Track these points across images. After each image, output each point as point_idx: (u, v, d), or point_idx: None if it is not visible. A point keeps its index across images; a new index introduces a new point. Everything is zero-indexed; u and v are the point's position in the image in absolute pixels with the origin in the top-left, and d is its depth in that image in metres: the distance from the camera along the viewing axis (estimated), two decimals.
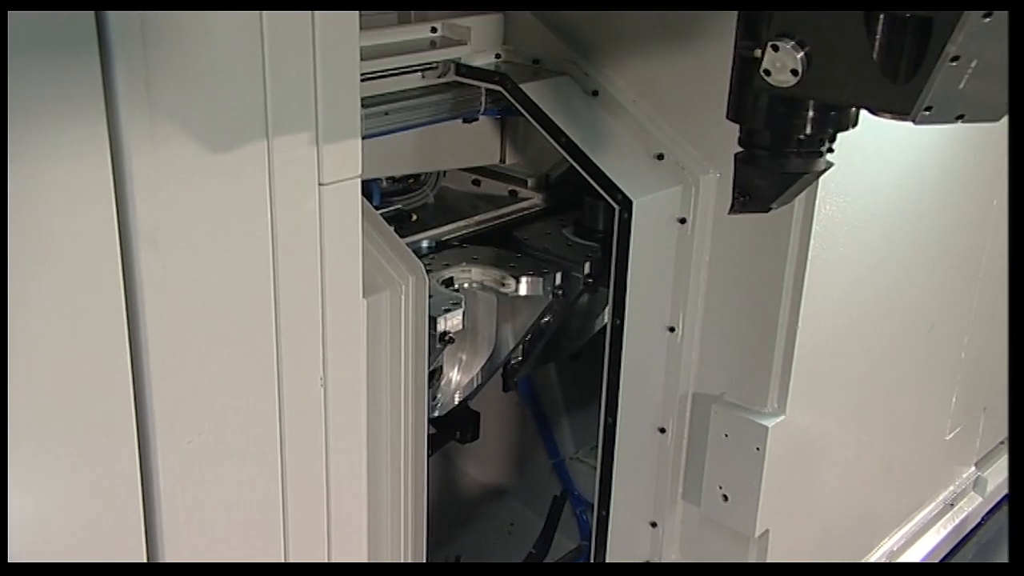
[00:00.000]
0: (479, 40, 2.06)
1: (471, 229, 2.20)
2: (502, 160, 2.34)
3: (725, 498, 2.16)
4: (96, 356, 1.22)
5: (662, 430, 2.20)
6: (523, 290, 2.05)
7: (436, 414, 2.13)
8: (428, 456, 1.81)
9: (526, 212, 2.30)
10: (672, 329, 2.12)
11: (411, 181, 2.24)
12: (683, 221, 2.03)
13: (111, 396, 1.25)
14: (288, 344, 1.41)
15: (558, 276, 2.08)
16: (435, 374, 2.08)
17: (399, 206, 2.16)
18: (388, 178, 2.19)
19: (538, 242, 2.17)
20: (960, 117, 1.21)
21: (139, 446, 1.29)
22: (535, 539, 2.73)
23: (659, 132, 2.02)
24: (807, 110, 1.37)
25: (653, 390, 2.16)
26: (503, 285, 2.05)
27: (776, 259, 2.00)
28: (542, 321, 2.15)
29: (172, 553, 1.35)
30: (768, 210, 1.50)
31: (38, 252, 1.14)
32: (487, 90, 2.04)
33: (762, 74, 1.27)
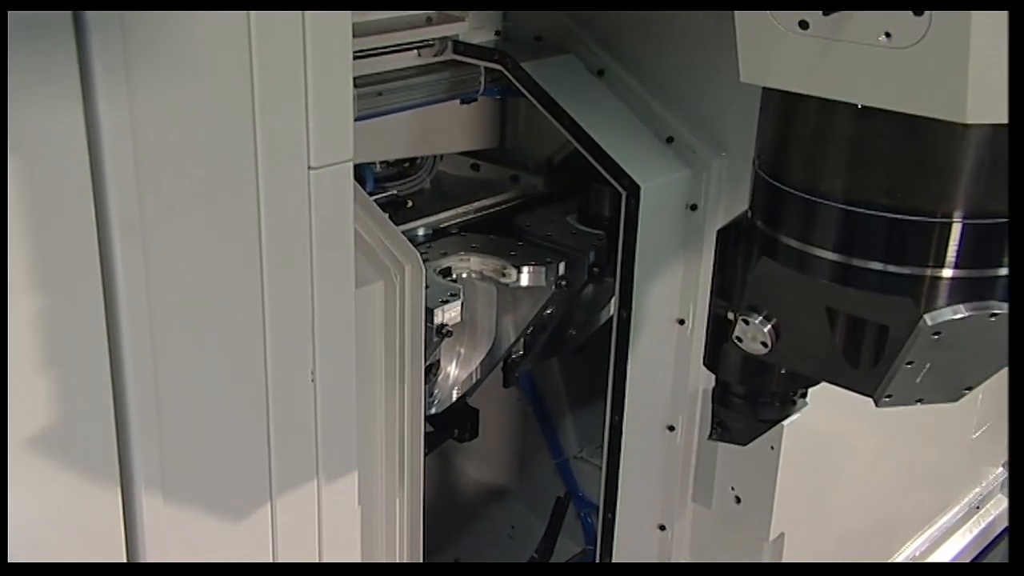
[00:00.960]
0: (478, 16, 2.05)
1: (470, 216, 2.19)
2: (502, 143, 2.33)
3: (738, 500, 2.16)
4: (71, 350, 1.22)
5: (671, 428, 2.20)
6: (524, 280, 2.05)
7: (433, 411, 2.13)
8: (425, 455, 1.81)
9: (528, 198, 2.30)
10: (682, 321, 2.12)
11: (406, 165, 2.24)
12: (693, 208, 2.03)
13: (86, 394, 1.25)
14: (276, 337, 1.41)
15: (561, 266, 2.08)
16: (432, 369, 2.08)
17: (394, 192, 2.15)
18: (382, 162, 2.18)
19: (540, 229, 2.17)
20: (919, 400, 1.38)
21: (118, 445, 1.29)
22: (537, 543, 2.74)
23: (668, 114, 2.01)
24: (780, 371, 1.54)
25: (662, 386, 2.16)
26: (503, 275, 2.04)
27: None
28: (545, 313, 2.14)
29: (154, 557, 1.35)
30: (746, 444, 1.69)
31: (9, 238, 1.14)
32: (486, 69, 2.03)
33: (735, 340, 1.41)
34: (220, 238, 1.32)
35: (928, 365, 1.32)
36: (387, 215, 1.69)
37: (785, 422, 2.05)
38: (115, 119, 1.17)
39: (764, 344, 1.39)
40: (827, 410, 2.16)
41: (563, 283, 2.09)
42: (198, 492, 1.40)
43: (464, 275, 2.05)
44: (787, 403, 1.64)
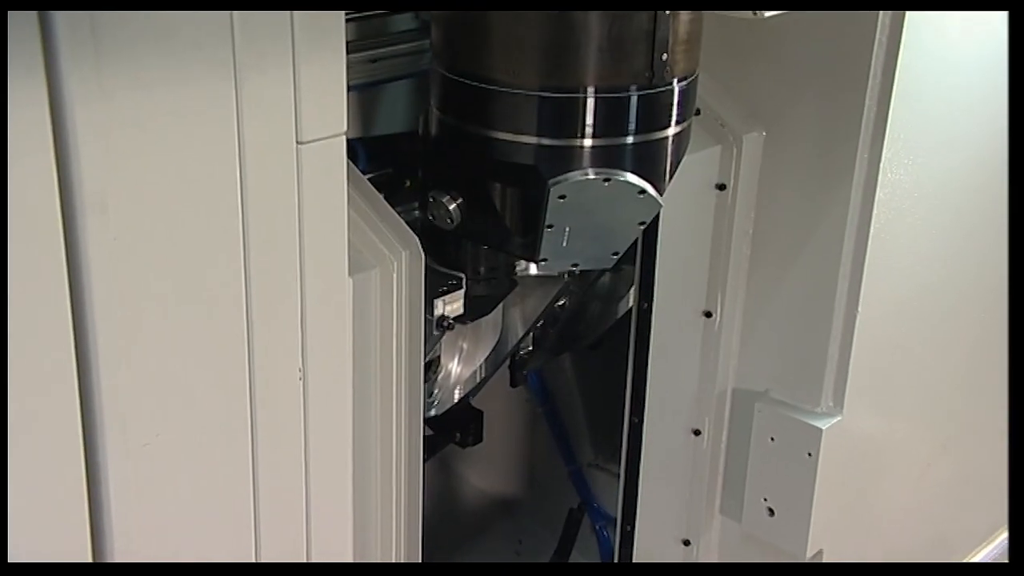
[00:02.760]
0: None
1: None
2: None
3: (771, 512, 2.17)
4: (33, 343, 1.21)
5: (697, 432, 2.20)
6: (534, 268, 2.05)
7: (433, 413, 2.13)
8: (424, 461, 1.80)
9: None
10: (709, 314, 2.12)
11: (405, 140, 2.23)
12: (722, 187, 2.03)
13: (50, 392, 1.25)
14: (261, 330, 1.41)
15: None
16: (432, 366, 2.08)
17: (390, 170, 2.15)
18: (377, 137, 2.18)
19: None
20: (575, 264, 1.75)
21: (84, 450, 1.29)
22: (548, 559, 2.74)
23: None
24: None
25: (686, 385, 2.16)
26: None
27: (833, 231, 2.00)
28: (556, 304, 2.14)
29: (122, 556, 1.35)
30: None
31: None
32: None
33: (429, 216, 1.78)
34: (198, 221, 1.31)
35: (568, 229, 1.66)
36: (383, 195, 1.69)
37: (824, 426, 2.06)
38: (82, 89, 1.17)
39: (450, 220, 1.74)
40: (870, 412, 2.16)
41: (577, 271, 2.08)
42: (173, 505, 1.40)
43: None
44: (492, 282, 1.95)
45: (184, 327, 1.34)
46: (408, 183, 2.14)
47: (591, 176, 1.63)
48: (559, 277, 2.08)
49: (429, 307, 1.79)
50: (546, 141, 1.62)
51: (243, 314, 1.39)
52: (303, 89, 1.34)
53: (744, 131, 2.00)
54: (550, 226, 1.65)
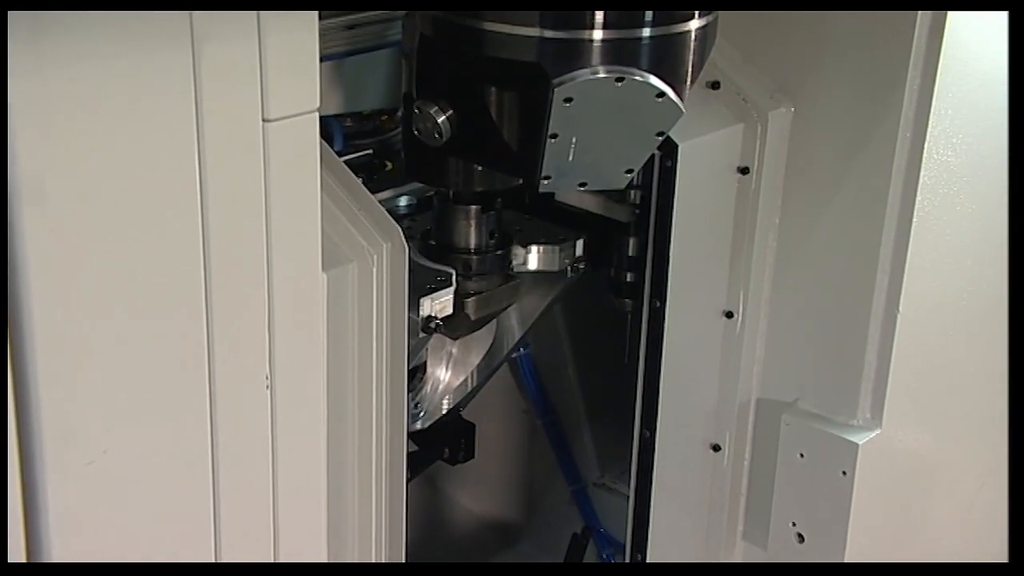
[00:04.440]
0: None
1: None
2: None
3: (800, 538, 2.17)
4: None
5: (716, 447, 2.21)
6: (533, 263, 2.05)
7: (419, 426, 2.14)
8: (407, 481, 1.80)
9: None
10: (730, 314, 2.12)
11: (385, 118, 2.23)
12: (745, 171, 2.03)
13: None
14: (223, 334, 1.40)
15: (579, 244, 2.08)
16: (417, 373, 2.08)
17: (369, 151, 2.15)
18: (354, 114, 2.18)
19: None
20: (583, 184, 1.71)
21: (21, 469, 1.28)
22: None
23: (714, 52, 2.00)
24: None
25: (704, 394, 2.16)
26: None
27: (870, 220, 2.00)
28: (558, 304, 2.14)
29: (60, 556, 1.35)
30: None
31: None
32: None
33: (414, 131, 1.73)
34: (150, 212, 1.31)
35: (574, 139, 1.61)
36: (361, 180, 1.68)
37: (860, 440, 2.06)
38: (15, 58, 1.16)
39: (438, 134, 1.70)
40: (913, 424, 2.16)
41: (581, 266, 2.08)
42: (121, 532, 1.39)
43: None
44: (486, 278, 1.95)
45: (135, 331, 1.33)
46: (389, 166, 2.15)
47: (601, 75, 1.57)
48: (561, 273, 2.08)
49: (414, 306, 1.79)
50: (549, 34, 1.57)
51: (202, 316, 1.38)
52: (270, 60, 1.34)
53: (769, 107, 2.00)
54: (554, 136, 1.60)
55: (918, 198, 1.96)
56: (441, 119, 1.69)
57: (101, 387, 1.32)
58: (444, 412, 2.17)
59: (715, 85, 2.01)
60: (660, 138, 1.68)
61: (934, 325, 2.13)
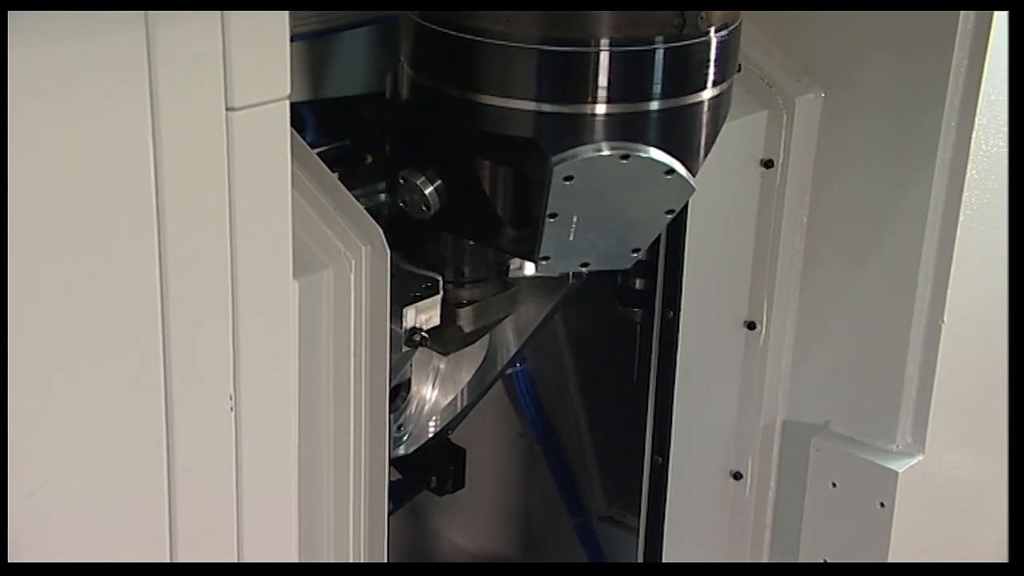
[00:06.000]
0: None
1: None
2: None
3: None
4: None
5: (737, 476, 2.21)
6: (530, 268, 2.04)
7: (402, 451, 2.14)
8: (389, 514, 1.80)
9: None
10: (752, 325, 2.13)
11: (364, 105, 2.24)
12: (769, 164, 2.04)
13: None
14: (182, 348, 1.40)
15: None
16: (400, 392, 2.08)
17: (347, 142, 2.15)
18: (330, 101, 2.18)
19: None
20: (585, 265, 1.74)
21: None
22: None
23: None
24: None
25: (723, 416, 2.17)
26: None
27: (910, 219, 2.00)
28: (559, 313, 2.14)
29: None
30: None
31: None
32: None
33: (400, 203, 1.77)
34: (99, 210, 1.30)
35: (575, 218, 1.64)
36: (338, 175, 1.69)
37: (900, 468, 2.06)
38: None
39: (427, 207, 1.74)
40: (959, 450, 2.16)
41: (583, 272, 2.08)
42: (61, 555, 1.39)
43: None
44: (478, 284, 1.95)
45: (81, 346, 1.33)
46: (370, 159, 2.14)
47: (605, 152, 1.60)
48: (562, 279, 2.08)
49: (397, 317, 1.79)
50: (548, 107, 1.60)
51: (159, 329, 1.38)
52: (234, 41, 1.34)
53: (797, 93, 2.00)
54: (553, 215, 1.63)
55: (964, 194, 1.97)
56: (429, 190, 1.73)
57: (42, 410, 1.32)
58: (431, 436, 2.18)
59: (737, 69, 2.00)
60: (670, 216, 1.70)
61: (980, 337, 2.13)
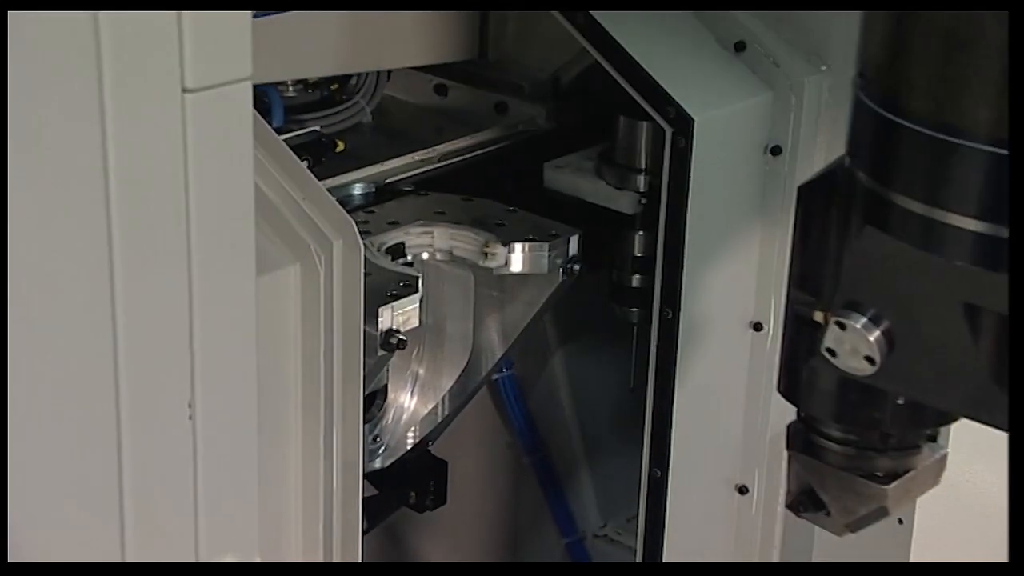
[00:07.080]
0: None
1: (432, 165, 2.20)
2: (483, 55, 2.35)
3: None
4: None
5: (743, 490, 2.22)
6: (517, 264, 2.05)
7: (378, 464, 2.14)
8: (364, 532, 1.80)
9: (521, 137, 2.31)
10: (758, 326, 2.14)
11: (334, 88, 2.24)
12: (776, 151, 2.04)
13: None
14: (134, 352, 1.39)
15: (574, 241, 2.08)
16: (375, 399, 2.09)
17: (316, 128, 2.15)
18: (297, 83, 2.18)
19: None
20: None
21: None
22: None
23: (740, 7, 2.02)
24: (896, 402, 1.55)
25: (727, 425, 2.17)
26: (486, 256, 2.04)
27: None
28: (547, 315, 2.14)
29: None
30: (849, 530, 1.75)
31: None
32: None
33: (824, 353, 1.45)
34: (44, 201, 1.31)
35: None
36: (306, 164, 1.68)
37: None
38: None
39: (870, 359, 1.42)
40: (985, 457, 2.16)
41: (576, 268, 2.09)
42: None
43: (425, 256, 2.05)
44: (909, 452, 1.67)
45: (23, 350, 1.33)
46: (341, 146, 2.15)
47: None
48: (552, 276, 2.08)
49: (372, 317, 1.78)
50: None
51: (108, 331, 1.37)
52: (189, 16, 1.32)
53: (805, 72, 2.00)
54: None
55: None
56: (874, 336, 1.42)
57: None
58: (409, 447, 2.18)
59: (740, 46, 2.01)
60: None
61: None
